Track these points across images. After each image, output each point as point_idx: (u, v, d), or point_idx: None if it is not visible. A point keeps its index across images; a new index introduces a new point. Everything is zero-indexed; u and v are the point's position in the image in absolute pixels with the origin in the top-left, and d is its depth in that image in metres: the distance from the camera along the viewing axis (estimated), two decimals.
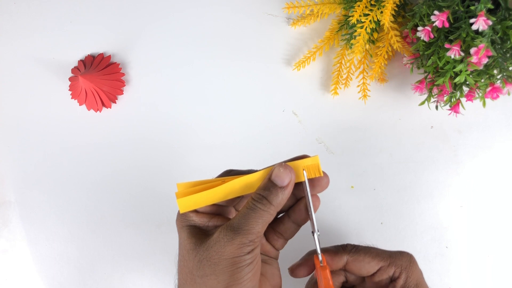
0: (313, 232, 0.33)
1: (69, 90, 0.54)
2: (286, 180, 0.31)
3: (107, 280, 0.52)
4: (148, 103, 0.54)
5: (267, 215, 0.30)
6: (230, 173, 0.34)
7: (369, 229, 0.49)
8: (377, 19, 0.45)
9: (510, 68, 0.40)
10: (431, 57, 0.41)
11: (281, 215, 0.36)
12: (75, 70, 0.54)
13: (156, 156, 0.52)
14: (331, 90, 0.50)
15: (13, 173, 0.54)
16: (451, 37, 0.39)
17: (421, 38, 0.41)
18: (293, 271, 0.35)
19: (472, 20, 0.37)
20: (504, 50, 0.39)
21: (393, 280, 0.34)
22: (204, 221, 0.32)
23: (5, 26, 0.56)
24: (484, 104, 0.42)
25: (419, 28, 0.41)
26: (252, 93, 0.52)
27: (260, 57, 0.53)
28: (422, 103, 0.45)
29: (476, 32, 0.37)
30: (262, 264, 0.34)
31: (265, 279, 0.34)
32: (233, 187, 0.32)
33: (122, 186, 0.52)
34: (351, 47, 0.48)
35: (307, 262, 0.35)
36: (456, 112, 0.44)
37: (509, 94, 0.41)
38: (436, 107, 0.45)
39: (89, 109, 0.54)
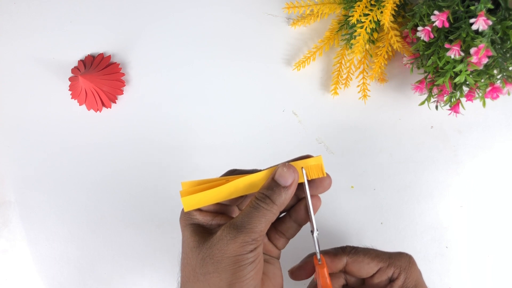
0: (312, 232, 0.33)
1: (69, 90, 0.54)
2: (289, 180, 0.31)
3: (107, 280, 0.52)
4: (148, 103, 0.54)
5: (270, 214, 0.30)
6: (234, 173, 0.34)
7: (369, 229, 0.49)
8: (377, 19, 0.45)
9: (510, 68, 0.40)
10: (431, 57, 0.41)
11: (282, 214, 0.36)
12: (75, 70, 0.54)
13: (156, 156, 0.52)
14: (331, 90, 0.50)
15: (13, 173, 0.54)
16: (451, 37, 0.39)
17: (421, 38, 0.41)
18: (293, 273, 0.35)
19: (472, 20, 0.37)
20: (504, 50, 0.39)
21: (392, 281, 0.34)
22: (207, 219, 0.32)
23: (5, 26, 0.56)
24: (484, 104, 0.42)
25: (419, 28, 0.41)
26: (252, 93, 0.52)
27: (260, 57, 0.53)
28: (422, 103, 0.45)
29: (476, 32, 0.37)
30: (264, 264, 0.34)
31: (268, 278, 0.34)
32: (237, 186, 0.32)
33: (122, 186, 0.52)
34: (351, 47, 0.48)
35: (307, 265, 0.35)
36: (456, 112, 0.44)
37: (509, 94, 0.41)
38: (436, 107, 0.45)
39: (89, 109, 0.54)
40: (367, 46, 0.47)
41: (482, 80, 0.41)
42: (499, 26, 0.37)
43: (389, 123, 0.50)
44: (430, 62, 0.42)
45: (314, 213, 0.34)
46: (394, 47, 0.46)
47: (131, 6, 0.55)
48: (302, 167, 0.32)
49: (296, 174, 0.31)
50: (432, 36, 0.40)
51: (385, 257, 0.34)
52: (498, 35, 0.38)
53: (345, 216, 0.49)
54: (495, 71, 0.40)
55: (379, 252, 0.34)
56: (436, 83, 0.42)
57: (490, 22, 0.36)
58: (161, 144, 0.53)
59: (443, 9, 0.39)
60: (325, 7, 0.49)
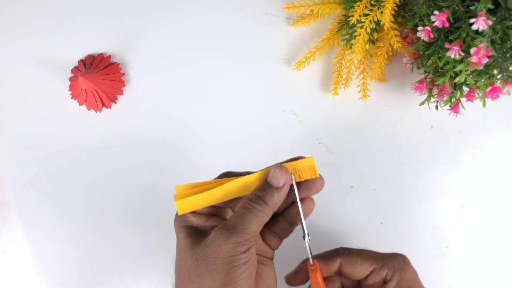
0: (304, 237, 0.33)
1: (69, 90, 0.54)
2: (281, 181, 0.31)
3: (107, 280, 0.52)
4: (148, 103, 0.54)
5: (263, 215, 0.30)
6: (228, 175, 0.34)
7: (369, 229, 0.49)
8: (377, 19, 0.45)
9: (510, 68, 0.40)
10: (431, 57, 0.41)
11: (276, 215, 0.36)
12: (75, 70, 0.54)
13: (156, 156, 0.52)
14: (331, 90, 0.50)
15: (13, 173, 0.54)
16: (451, 37, 0.39)
17: (421, 38, 0.41)
18: (289, 279, 0.35)
19: (472, 20, 0.37)
20: (504, 50, 0.39)
21: (385, 282, 0.34)
22: (201, 221, 0.32)
23: (5, 26, 0.56)
24: (484, 104, 0.42)
25: (419, 28, 0.41)
26: (252, 93, 0.52)
27: (260, 57, 0.53)
28: (422, 103, 0.45)
29: (476, 32, 0.37)
30: (258, 265, 0.34)
31: (261, 279, 0.34)
32: (230, 188, 0.32)
33: (122, 186, 0.52)
34: (351, 47, 0.48)
35: (302, 270, 0.35)
36: (456, 112, 0.44)
37: (509, 94, 0.41)
38: (436, 107, 0.45)
39: (89, 109, 0.54)
40: (367, 46, 0.47)
41: (482, 80, 0.41)
42: (499, 26, 0.37)
43: (389, 123, 0.50)
44: (430, 62, 0.42)
45: (307, 216, 0.34)
46: (394, 47, 0.46)
47: (131, 6, 0.55)
48: (291, 172, 0.32)
49: (289, 175, 0.31)
50: (432, 36, 0.40)
51: (378, 258, 0.34)
52: (498, 35, 0.38)
53: (345, 216, 0.49)
54: (495, 71, 0.40)
55: (373, 253, 0.34)
56: (436, 83, 0.42)
57: (490, 22, 0.36)
58: (161, 144, 0.53)
59: (443, 9, 0.39)
60: (325, 7, 0.49)
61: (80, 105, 0.54)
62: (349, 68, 0.49)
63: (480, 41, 0.37)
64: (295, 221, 0.35)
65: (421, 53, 0.43)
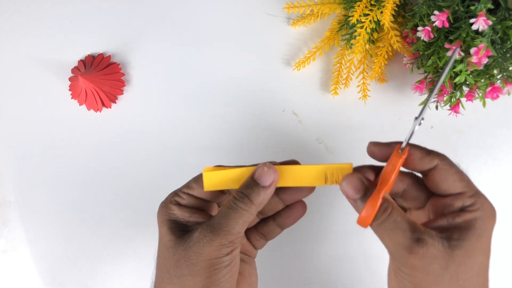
0: (416, 118, 0.29)
1: (69, 90, 0.54)
2: (268, 180, 0.30)
3: (107, 280, 0.52)
4: (148, 103, 0.54)
5: (248, 214, 0.30)
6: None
7: (369, 228, 0.48)
8: (377, 19, 0.45)
9: (510, 68, 0.40)
10: (431, 57, 0.41)
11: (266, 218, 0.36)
12: (75, 70, 0.54)
13: (156, 156, 0.52)
14: (331, 90, 0.50)
15: (13, 173, 0.54)
16: (451, 37, 0.39)
17: (421, 38, 0.41)
18: (375, 145, 0.31)
19: (472, 20, 0.37)
20: (504, 50, 0.39)
21: (462, 210, 0.29)
22: (185, 215, 0.32)
23: (5, 26, 0.56)
24: (484, 104, 0.42)
25: (419, 28, 0.41)
26: (252, 93, 0.52)
27: (260, 57, 0.53)
28: (422, 103, 0.45)
29: (476, 32, 0.37)
30: (240, 263, 0.34)
31: (243, 277, 0.33)
32: None
33: (122, 186, 0.52)
34: (351, 47, 0.48)
35: (391, 146, 0.31)
36: (456, 112, 0.44)
37: (509, 94, 0.41)
38: (436, 107, 0.45)
39: (89, 109, 0.54)
40: (367, 46, 0.47)
41: (482, 80, 0.41)
42: (499, 26, 0.37)
43: (389, 123, 0.50)
44: (430, 62, 0.42)
45: (295, 221, 0.34)
46: (394, 47, 0.46)
47: (131, 6, 0.55)
48: (325, 174, 0.31)
49: (276, 175, 0.30)
50: (432, 36, 0.40)
51: (474, 188, 0.30)
52: (498, 35, 0.38)
53: (345, 216, 0.49)
54: (495, 71, 0.40)
55: (471, 182, 0.31)
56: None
57: (490, 22, 0.36)
58: (161, 144, 0.53)
59: (443, 9, 0.39)
60: (325, 7, 0.49)
61: (80, 105, 0.54)
62: (349, 68, 0.49)
63: (480, 41, 0.37)
64: (286, 225, 0.35)
65: (421, 53, 0.43)
